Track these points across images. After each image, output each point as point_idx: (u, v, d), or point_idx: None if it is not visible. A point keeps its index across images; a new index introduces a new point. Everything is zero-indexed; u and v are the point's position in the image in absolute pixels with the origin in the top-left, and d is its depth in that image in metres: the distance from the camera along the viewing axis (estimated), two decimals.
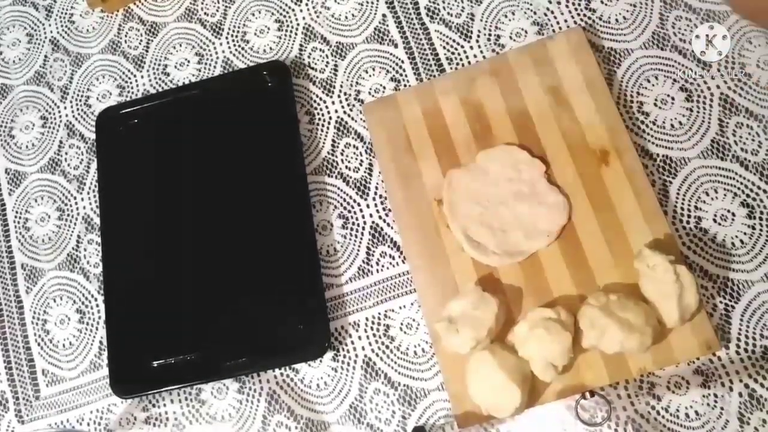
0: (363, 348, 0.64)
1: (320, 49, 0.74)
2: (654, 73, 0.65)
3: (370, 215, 0.68)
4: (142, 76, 0.79)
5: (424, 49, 0.71)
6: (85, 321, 0.71)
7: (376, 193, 0.68)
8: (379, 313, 0.65)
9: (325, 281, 0.65)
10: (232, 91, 0.74)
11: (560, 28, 0.69)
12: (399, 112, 0.68)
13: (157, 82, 0.78)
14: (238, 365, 0.65)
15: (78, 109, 0.79)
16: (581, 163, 0.63)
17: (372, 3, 0.74)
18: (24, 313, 0.73)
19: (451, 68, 0.70)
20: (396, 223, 0.66)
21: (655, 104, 0.65)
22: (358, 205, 0.68)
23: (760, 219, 0.60)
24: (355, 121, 0.71)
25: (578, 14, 0.69)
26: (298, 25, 0.76)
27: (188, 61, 0.78)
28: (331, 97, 0.72)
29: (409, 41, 0.72)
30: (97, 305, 0.71)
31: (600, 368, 0.57)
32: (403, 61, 0.72)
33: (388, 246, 0.66)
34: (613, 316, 0.54)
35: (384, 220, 0.67)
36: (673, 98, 0.65)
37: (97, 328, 0.71)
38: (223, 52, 0.77)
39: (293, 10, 0.76)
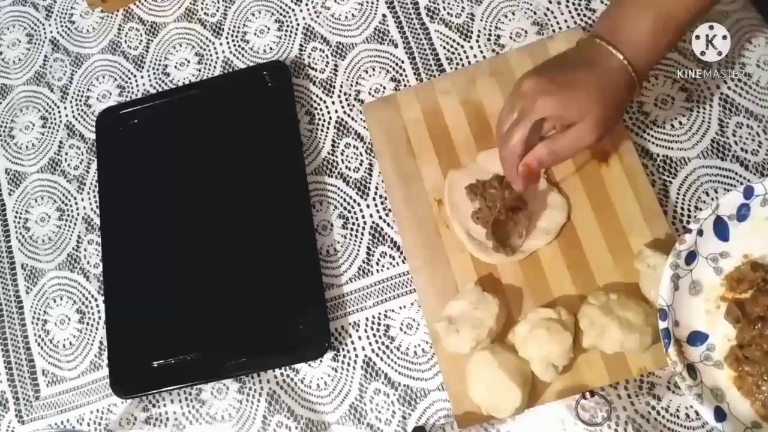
0: (363, 348, 0.64)
1: (320, 49, 0.74)
2: (654, 72, 0.65)
3: (370, 215, 0.68)
4: (142, 76, 0.79)
5: (424, 49, 0.71)
6: (85, 321, 0.71)
7: (376, 193, 0.68)
8: (379, 313, 0.65)
9: (325, 281, 0.65)
10: (232, 91, 0.74)
11: (560, 28, 0.69)
12: (399, 112, 0.68)
13: (157, 82, 0.78)
14: (238, 365, 0.65)
15: (78, 110, 0.79)
16: (581, 163, 0.63)
17: (372, 3, 0.74)
18: (24, 313, 0.73)
19: (451, 68, 0.70)
20: (396, 223, 0.66)
21: (655, 104, 0.65)
22: (358, 205, 0.68)
23: None
24: (355, 121, 0.71)
25: (578, 14, 0.69)
26: (298, 25, 0.76)
27: (188, 61, 0.78)
28: (331, 97, 0.72)
29: (409, 41, 0.72)
30: (97, 305, 0.71)
31: (600, 368, 0.57)
32: (403, 61, 0.72)
33: (388, 246, 0.66)
34: (613, 316, 0.54)
35: (384, 220, 0.67)
36: (673, 98, 0.65)
37: (97, 329, 0.71)
38: (223, 52, 0.77)
39: (293, 10, 0.76)
